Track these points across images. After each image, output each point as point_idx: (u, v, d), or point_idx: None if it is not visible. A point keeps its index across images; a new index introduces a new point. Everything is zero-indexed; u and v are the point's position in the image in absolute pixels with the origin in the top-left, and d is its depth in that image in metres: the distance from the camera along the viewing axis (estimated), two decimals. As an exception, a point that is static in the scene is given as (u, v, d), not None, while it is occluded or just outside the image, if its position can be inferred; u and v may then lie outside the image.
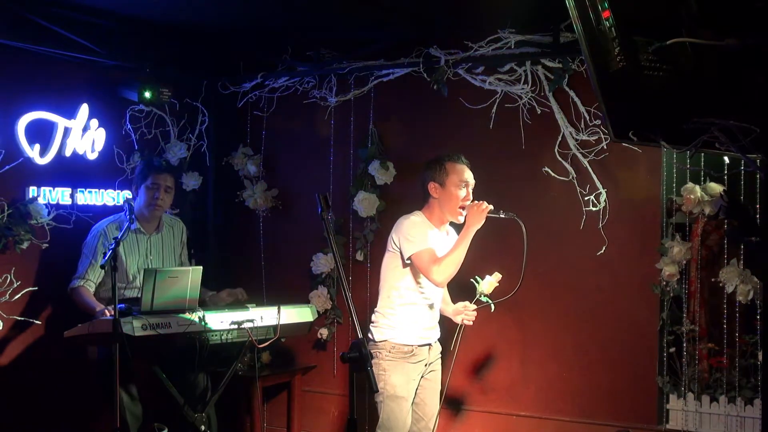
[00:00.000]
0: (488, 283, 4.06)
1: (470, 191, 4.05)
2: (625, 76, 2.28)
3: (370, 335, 4.05)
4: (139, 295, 4.30)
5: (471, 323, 4.13)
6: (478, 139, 4.85)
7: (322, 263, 5.31)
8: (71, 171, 4.85)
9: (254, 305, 4.40)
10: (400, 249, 3.99)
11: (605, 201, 4.57)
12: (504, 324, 4.76)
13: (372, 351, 3.82)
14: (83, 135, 4.84)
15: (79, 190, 4.89)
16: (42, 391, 4.72)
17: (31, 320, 4.66)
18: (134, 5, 4.68)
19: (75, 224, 4.82)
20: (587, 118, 4.61)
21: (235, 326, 4.21)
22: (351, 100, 5.30)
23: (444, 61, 4.89)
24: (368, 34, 5.12)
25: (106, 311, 4.12)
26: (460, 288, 4.21)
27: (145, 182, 4.55)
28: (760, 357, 4.01)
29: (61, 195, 4.80)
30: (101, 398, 4.25)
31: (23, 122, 4.56)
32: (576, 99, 4.64)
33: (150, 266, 4.51)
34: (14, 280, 4.56)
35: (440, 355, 4.19)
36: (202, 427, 4.33)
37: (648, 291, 4.47)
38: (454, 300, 4.26)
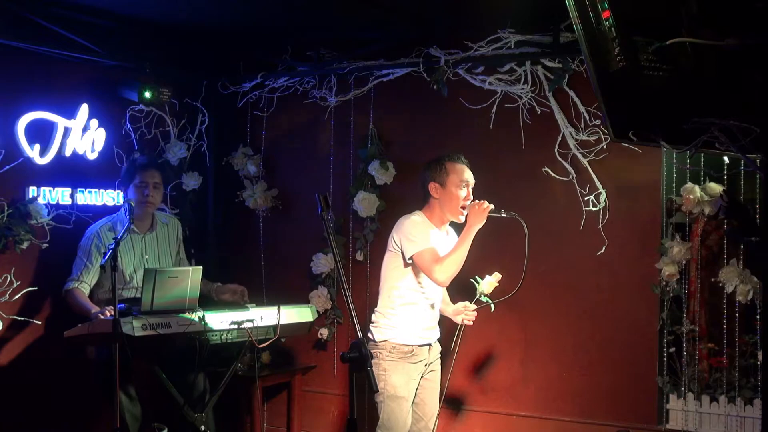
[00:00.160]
0: (488, 283, 4.06)
1: (470, 191, 4.05)
2: (625, 76, 2.28)
3: (370, 335, 4.05)
4: (137, 295, 4.31)
5: (471, 323, 4.13)
6: (478, 139, 4.85)
7: (322, 263, 5.31)
8: (71, 171, 4.84)
9: (254, 305, 4.42)
10: (401, 249, 3.98)
11: (605, 201, 4.57)
12: (504, 324, 4.76)
13: (372, 351, 3.80)
14: (83, 135, 4.83)
15: (79, 190, 4.89)
16: (42, 391, 4.71)
17: (31, 320, 4.65)
18: (134, 5, 4.68)
19: (75, 224, 4.81)
20: (587, 118, 4.61)
21: (235, 326, 4.21)
22: (351, 100, 5.30)
23: (444, 61, 4.89)
24: (368, 34, 5.13)
25: (100, 315, 4.09)
26: (460, 288, 4.21)
27: (133, 181, 4.54)
28: (760, 357, 4.00)
29: (61, 195, 4.80)
30: (101, 398, 4.25)
31: (23, 122, 4.56)
32: (576, 99, 4.64)
33: (146, 266, 4.51)
34: (14, 280, 4.56)
35: (440, 355, 4.19)
36: (202, 427, 4.33)
37: (648, 291, 4.47)
38: (454, 300, 4.26)
